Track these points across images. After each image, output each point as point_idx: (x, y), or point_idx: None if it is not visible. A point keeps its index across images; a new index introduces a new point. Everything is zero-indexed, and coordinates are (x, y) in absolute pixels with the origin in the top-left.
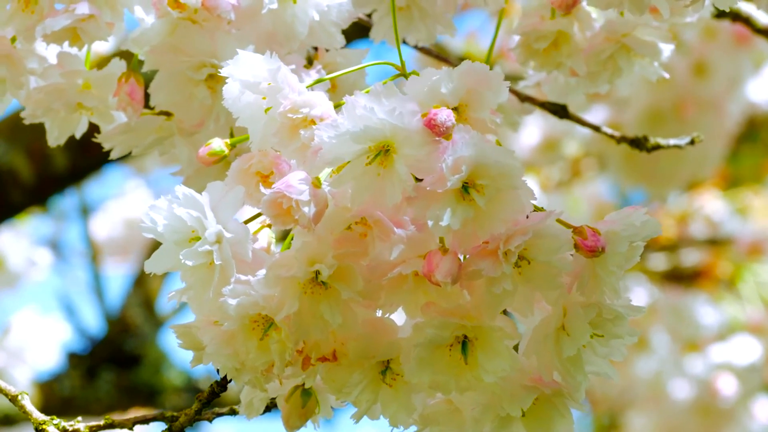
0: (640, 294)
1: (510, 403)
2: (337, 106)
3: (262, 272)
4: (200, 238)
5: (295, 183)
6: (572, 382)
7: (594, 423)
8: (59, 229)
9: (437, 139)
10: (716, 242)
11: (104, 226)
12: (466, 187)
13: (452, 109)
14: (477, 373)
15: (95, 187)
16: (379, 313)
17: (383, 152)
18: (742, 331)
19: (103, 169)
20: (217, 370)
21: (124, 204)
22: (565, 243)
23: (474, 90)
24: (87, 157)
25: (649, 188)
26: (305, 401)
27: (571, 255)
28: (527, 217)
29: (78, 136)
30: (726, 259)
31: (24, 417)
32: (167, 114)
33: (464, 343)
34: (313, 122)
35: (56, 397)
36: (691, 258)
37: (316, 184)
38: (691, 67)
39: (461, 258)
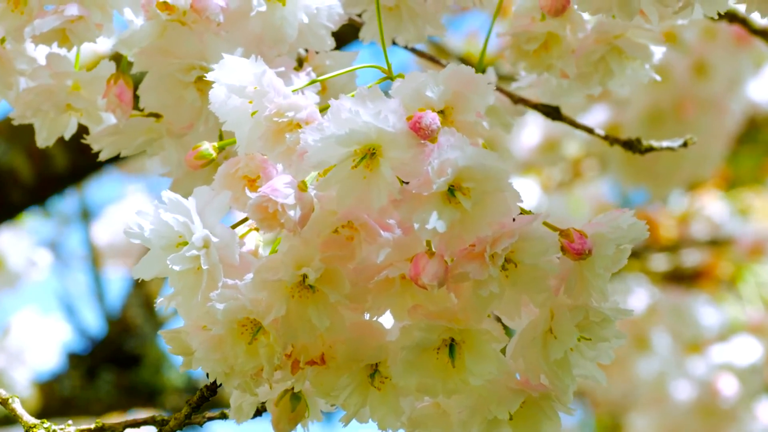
0: (640, 295)
1: (497, 406)
2: (324, 109)
3: (249, 276)
4: (187, 243)
5: (280, 187)
6: (560, 385)
7: (596, 424)
8: (60, 233)
9: (423, 142)
10: (717, 243)
11: (105, 230)
12: (452, 190)
13: (438, 112)
14: (464, 376)
15: (96, 190)
16: (366, 317)
17: (369, 155)
18: (743, 331)
19: (103, 170)
20: (207, 375)
21: (124, 208)
22: (551, 246)
23: (460, 93)
24: (87, 157)
25: (650, 189)
26: (295, 405)
27: (558, 258)
28: (514, 219)
29: (67, 137)
30: (727, 260)
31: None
32: (156, 116)
33: (451, 346)
34: (298, 126)
35: (56, 397)
36: (691, 258)
37: (301, 187)
38: (691, 67)
39: (448, 261)
